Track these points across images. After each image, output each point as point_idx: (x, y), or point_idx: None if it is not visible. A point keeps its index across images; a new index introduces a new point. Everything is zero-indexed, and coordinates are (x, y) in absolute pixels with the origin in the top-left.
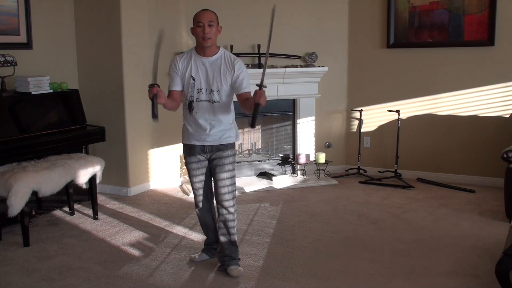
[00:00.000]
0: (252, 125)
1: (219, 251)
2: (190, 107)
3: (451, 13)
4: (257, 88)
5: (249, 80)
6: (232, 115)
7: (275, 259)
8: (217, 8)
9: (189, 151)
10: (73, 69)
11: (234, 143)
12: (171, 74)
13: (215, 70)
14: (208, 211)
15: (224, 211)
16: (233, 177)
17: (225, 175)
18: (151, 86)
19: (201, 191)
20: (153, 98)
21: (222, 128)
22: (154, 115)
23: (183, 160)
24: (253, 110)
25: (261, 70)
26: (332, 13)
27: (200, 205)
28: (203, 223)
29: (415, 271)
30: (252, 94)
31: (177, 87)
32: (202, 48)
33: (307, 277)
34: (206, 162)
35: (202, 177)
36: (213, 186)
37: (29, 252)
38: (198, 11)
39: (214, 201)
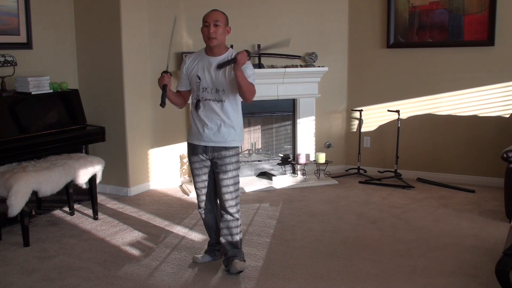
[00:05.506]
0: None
1: (223, 254)
2: (197, 105)
3: (451, 13)
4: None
5: (253, 74)
6: (239, 118)
7: (275, 259)
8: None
9: (191, 151)
10: (73, 69)
11: (237, 147)
12: (180, 74)
13: (221, 69)
14: (210, 212)
15: (229, 217)
16: (237, 182)
17: (229, 181)
18: (164, 73)
19: (203, 191)
20: (164, 86)
21: (228, 129)
22: (163, 102)
23: (183, 160)
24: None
25: (261, 70)
26: (332, 13)
27: (202, 205)
28: (206, 224)
29: (415, 271)
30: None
31: (183, 87)
32: (209, 48)
33: (307, 277)
34: (209, 163)
35: (205, 177)
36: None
37: (29, 252)
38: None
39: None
